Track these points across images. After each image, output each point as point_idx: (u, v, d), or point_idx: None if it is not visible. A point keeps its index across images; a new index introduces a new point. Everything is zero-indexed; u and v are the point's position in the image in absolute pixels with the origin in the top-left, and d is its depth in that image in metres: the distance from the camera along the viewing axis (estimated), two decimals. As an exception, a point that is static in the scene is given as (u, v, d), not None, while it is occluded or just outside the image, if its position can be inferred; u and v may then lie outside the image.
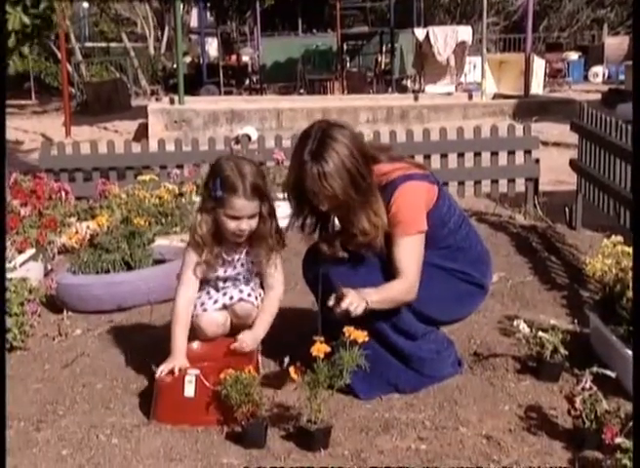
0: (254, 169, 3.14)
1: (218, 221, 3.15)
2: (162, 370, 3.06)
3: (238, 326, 3.28)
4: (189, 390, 2.95)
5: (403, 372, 3.18)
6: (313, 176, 2.93)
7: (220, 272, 3.28)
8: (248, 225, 3.12)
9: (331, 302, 2.93)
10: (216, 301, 3.31)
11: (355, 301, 2.90)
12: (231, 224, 3.11)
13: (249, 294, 3.29)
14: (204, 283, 3.32)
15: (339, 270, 3.13)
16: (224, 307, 3.29)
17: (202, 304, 3.30)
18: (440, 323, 3.31)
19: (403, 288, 3.06)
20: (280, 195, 5.79)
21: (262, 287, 3.35)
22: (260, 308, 3.28)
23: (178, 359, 3.11)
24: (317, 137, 2.95)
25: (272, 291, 3.30)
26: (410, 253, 3.05)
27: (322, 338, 2.82)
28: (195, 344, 3.28)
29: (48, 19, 5.26)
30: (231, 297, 3.29)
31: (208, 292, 3.32)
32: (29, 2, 4.97)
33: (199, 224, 3.18)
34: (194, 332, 3.26)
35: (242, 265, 3.29)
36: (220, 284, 3.32)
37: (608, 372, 2.93)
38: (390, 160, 3.15)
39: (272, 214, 3.19)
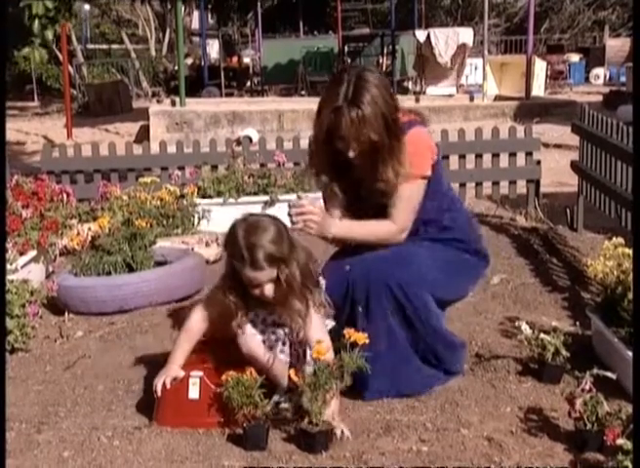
0: (268, 233, 2.88)
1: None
2: (155, 385, 3.00)
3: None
4: (194, 392, 2.95)
5: (412, 372, 3.14)
6: (352, 120, 2.91)
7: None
8: (271, 290, 2.93)
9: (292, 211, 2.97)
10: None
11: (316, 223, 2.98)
12: (255, 291, 2.94)
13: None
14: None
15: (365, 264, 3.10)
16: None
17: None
18: (449, 302, 3.32)
19: (389, 230, 3.13)
20: (281, 197, 5.86)
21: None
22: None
23: (171, 370, 3.03)
24: (352, 82, 2.95)
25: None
26: (407, 199, 3.10)
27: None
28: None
29: (68, 2, 5.59)
30: (272, 347, 3.06)
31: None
32: None
33: (228, 290, 2.97)
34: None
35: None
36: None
37: (608, 374, 2.93)
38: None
39: (292, 277, 2.90)
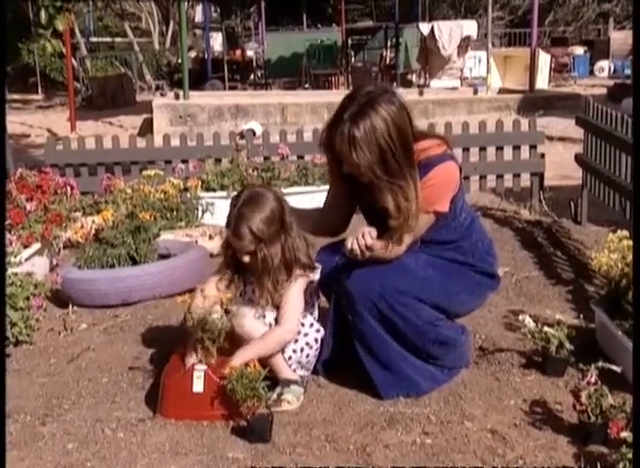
0: (261, 211, 3.01)
1: None
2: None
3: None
4: (198, 385, 2.95)
5: (413, 372, 3.13)
6: (342, 138, 2.87)
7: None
8: (247, 260, 3.08)
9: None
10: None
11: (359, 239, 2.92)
12: (239, 256, 3.10)
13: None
14: None
15: (356, 271, 3.06)
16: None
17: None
18: (454, 314, 3.28)
19: (392, 253, 3.03)
20: (284, 190, 5.85)
21: None
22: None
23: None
24: (360, 103, 2.89)
25: (278, 326, 3.10)
26: (412, 229, 3.00)
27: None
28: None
29: None
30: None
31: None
32: None
33: (223, 245, 3.20)
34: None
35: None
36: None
37: (613, 367, 2.93)
38: (423, 136, 3.09)
39: (267, 259, 3.03)
